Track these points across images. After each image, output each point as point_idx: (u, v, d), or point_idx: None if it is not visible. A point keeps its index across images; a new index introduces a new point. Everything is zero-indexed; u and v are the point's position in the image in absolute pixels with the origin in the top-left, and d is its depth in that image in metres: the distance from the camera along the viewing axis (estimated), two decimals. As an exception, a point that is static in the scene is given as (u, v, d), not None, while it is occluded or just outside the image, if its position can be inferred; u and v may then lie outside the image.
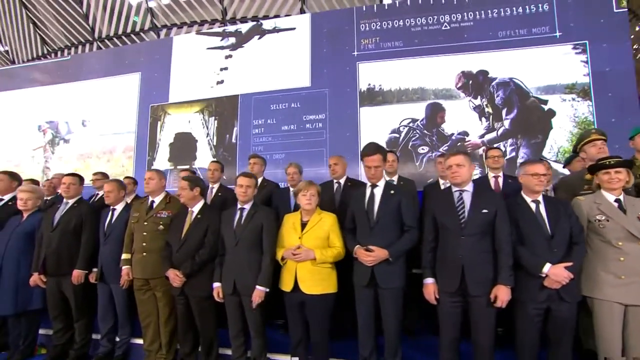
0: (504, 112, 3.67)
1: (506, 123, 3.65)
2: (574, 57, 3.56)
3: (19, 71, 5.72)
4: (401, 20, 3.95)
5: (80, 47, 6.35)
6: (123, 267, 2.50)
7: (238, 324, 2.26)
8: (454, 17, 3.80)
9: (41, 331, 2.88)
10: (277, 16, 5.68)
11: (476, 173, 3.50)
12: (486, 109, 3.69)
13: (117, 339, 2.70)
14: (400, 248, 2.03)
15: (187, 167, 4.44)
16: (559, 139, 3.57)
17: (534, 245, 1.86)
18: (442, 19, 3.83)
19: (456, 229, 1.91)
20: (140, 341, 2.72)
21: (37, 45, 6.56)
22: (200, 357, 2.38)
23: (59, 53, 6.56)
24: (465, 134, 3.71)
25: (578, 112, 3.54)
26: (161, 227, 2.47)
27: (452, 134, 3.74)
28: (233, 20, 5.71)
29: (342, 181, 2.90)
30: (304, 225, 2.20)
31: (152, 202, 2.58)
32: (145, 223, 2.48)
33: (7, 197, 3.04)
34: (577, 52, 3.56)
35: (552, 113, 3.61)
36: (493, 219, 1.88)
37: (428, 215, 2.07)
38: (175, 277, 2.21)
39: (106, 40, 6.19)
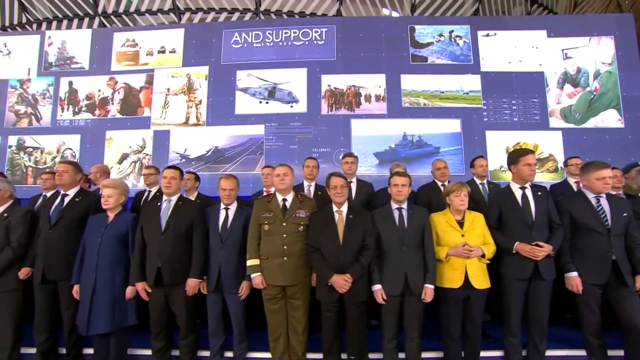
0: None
1: None
2: None
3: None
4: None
5: (76, 20, 5.31)
6: (254, 275, 2.24)
7: (395, 327, 2.21)
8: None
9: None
10: (313, 14, 5.61)
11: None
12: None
13: (231, 355, 2.40)
14: (558, 243, 2.24)
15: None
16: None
17: None
18: None
19: (603, 230, 2.18)
20: (257, 355, 2.47)
21: (14, 12, 5.29)
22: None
23: (43, 25, 5.38)
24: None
25: None
26: (301, 228, 2.28)
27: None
28: (267, 12, 5.43)
29: (447, 183, 3.04)
30: (460, 224, 2.27)
31: (285, 200, 2.37)
32: (284, 224, 2.27)
33: (71, 193, 2.49)
34: None
35: None
36: (629, 221, 2.21)
37: (565, 216, 2.31)
38: (345, 282, 2.08)
39: (112, 17, 5.30)
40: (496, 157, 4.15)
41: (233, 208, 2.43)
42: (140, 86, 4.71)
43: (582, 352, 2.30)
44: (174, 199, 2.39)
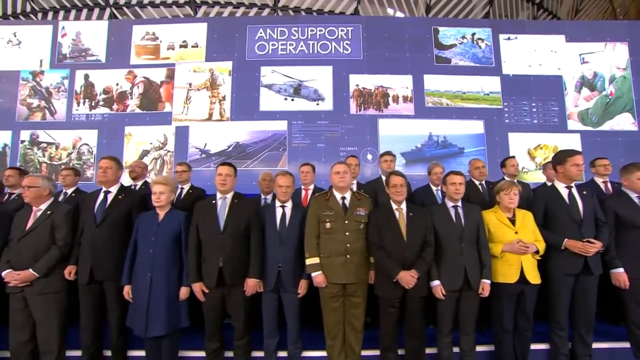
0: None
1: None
2: None
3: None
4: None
5: (85, 10, 5.06)
6: (315, 274, 2.23)
7: (452, 322, 2.26)
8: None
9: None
10: (331, 12, 5.59)
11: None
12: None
13: (285, 354, 2.39)
14: (607, 240, 2.34)
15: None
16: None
17: None
18: None
19: None
20: (311, 354, 2.46)
21: (18, 0, 4.99)
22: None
23: (49, 14, 5.11)
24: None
25: None
26: (362, 226, 2.29)
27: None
28: (285, 9, 5.37)
29: (484, 183, 3.13)
30: (511, 221, 2.34)
31: (343, 198, 2.36)
32: (346, 222, 2.27)
33: (114, 190, 2.40)
34: None
35: None
36: None
37: (610, 215, 2.42)
38: (412, 278, 2.10)
39: (124, 8, 5.10)
40: (518, 159, 4.28)
41: (289, 206, 2.41)
42: (161, 80, 4.58)
43: (625, 345, 2.42)
44: (229, 196, 2.34)
